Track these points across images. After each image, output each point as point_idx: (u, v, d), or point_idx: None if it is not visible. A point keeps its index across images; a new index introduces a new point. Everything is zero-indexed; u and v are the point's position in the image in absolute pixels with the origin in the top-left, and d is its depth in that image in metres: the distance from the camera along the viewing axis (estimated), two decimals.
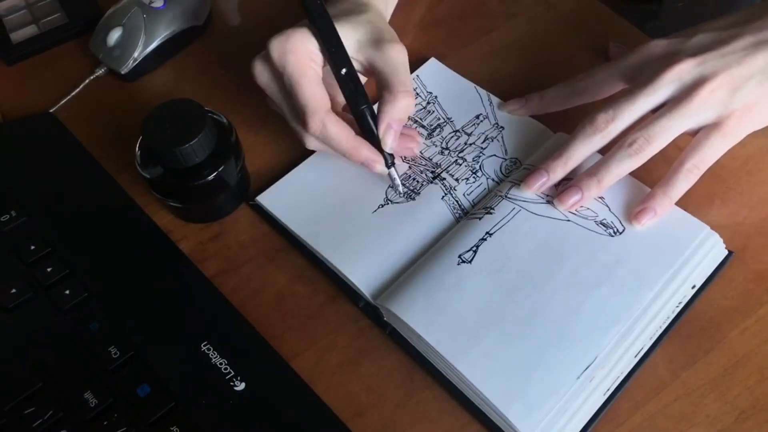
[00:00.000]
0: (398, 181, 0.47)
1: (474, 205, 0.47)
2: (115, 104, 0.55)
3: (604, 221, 0.45)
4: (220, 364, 0.42)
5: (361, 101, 0.45)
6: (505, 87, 0.53)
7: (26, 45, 0.58)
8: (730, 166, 0.49)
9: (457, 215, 0.47)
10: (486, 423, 0.40)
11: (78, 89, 0.55)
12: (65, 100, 0.55)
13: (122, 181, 0.50)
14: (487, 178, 0.48)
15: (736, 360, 0.42)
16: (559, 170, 0.45)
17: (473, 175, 0.48)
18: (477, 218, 0.45)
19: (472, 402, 0.41)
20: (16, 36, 0.58)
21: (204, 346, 0.43)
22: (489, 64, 0.56)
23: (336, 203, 0.47)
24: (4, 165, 0.51)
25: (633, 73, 0.46)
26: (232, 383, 0.41)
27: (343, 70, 0.44)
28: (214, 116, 0.46)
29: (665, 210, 0.44)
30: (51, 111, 0.54)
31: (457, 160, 0.49)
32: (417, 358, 0.42)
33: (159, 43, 0.55)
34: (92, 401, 0.40)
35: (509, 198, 0.46)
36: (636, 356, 0.41)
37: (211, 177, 0.45)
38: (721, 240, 0.44)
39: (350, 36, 0.45)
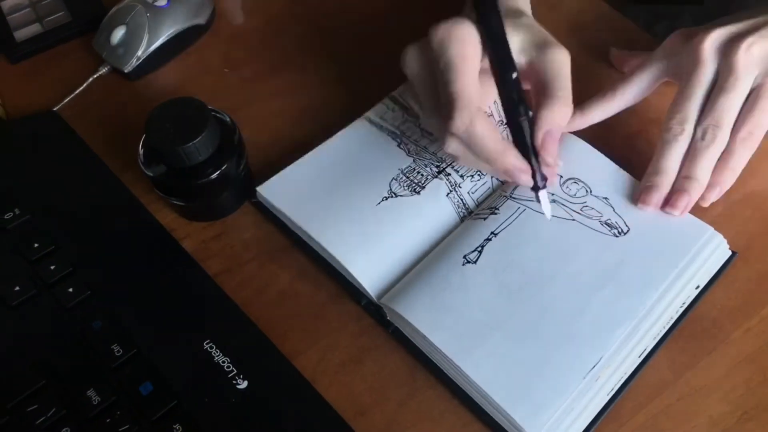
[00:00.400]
0: (548, 205, 0.43)
1: (478, 204, 0.47)
2: (119, 103, 0.55)
3: (608, 221, 0.44)
4: (223, 362, 0.42)
5: (522, 110, 0.41)
6: None
7: (30, 43, 0.58)
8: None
9: (461, 214, 0.47)
10: (488, 422, 0.40)
11: (81, 88, 0.55)
12: (69, 98, 0.55)
13: (125, 179, 0.50)
14: (492, 176, 0.48)
15: (739, 360, 0.42)
16: (666, 183, 0.45)
17: (478, 172, 0.48)
18: (482, 218, 0.45)
19: (474, 401, 0.40)
20: (20, 34, 0.58)
21: (206, 344, 0.43)
22: None
23: (339, 195, 0.47)
24: (8, 163, 0.51)
25: (668, 63, 0.46)
26: (234, 382, 0.41)
27: (513, 74, 0.41)
28: (218, 115, 0.46)
29: (729, 183, 0.45)
30: (54, 109, 0.54)
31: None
32: (419, 357, 0.42)
33: (162, 41, 0.55)
34: (95, 399, 0.40)
35: (514, 198, 0.46)
36: (640, 356, 0.41)
37: (214, 176, 0.45)
38: (725, 240, 0.44)
39: (514, 36, 0.43)
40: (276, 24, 0.60)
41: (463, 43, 0.41)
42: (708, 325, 0.43)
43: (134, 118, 0.48)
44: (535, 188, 0.43)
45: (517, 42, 0.43)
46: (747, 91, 0.44)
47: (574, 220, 0.45)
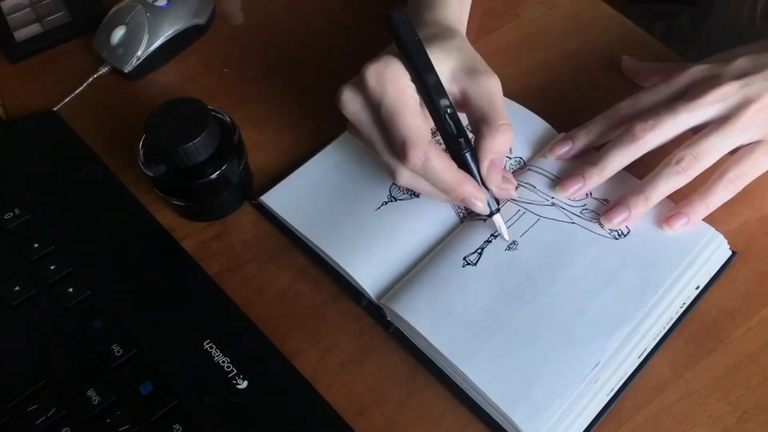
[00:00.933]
0: (504, 228, 0.44)
1: None
2: (119, 103, 0.55)
3: None
4: (223, 362, 0.42)
5: (464, 144, 0.42)
6: (508, 87, 0.53)
7: (30, 43, 0.58)
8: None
9: (461, 215, 0.47)
10: (488, 422, 0.40)
11: (81, 88, 0.55)
12: (69, 98, 0.55)
13: (125, 179, 0.50)
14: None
15: (738, 360, 0.42)
16: (596, 178, 0.45)
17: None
18: (482, 220, 0.45)
19: (474, 401, 0.41)
20: (20, 34, 0.58)
21: (206, 344, 0.43)
22: (492, 64, 0.55)
23: (339, 201, 0.47)
24: (8, 163, 0.51)
25: (678, 96, 0.45)
26: (234, 381, 0.41)
27: (448, 110, 0.41)
28: (218, 115, 0.46)
29: (699, 218, 0.44)
30: (54, 109, 0.54)
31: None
32: (419, 357, 0.42)
33: (162, 41, 0.55)
34: (95, 399, 0.40)
35: (514, 200, 0.46)
36: (640, 357, 0.41)
37: (214, 176, 0.45)
38: (726, 241, 0.44)
39: (444, 64, 0.42)
40: (276, 24, 0.60)
41: (397, 83, 0.41)
42: (708, 326, 0.43)
43: (134, 118, 0.48)
44: (491, 214, 0.43)
45: (447, 70, 0.43)
46: (738, 145, 0.43)
47: (573, 222, 0.45)
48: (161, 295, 0.45)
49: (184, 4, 0.56)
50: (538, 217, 0.45)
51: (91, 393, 0.40)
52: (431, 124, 0.42)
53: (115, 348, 0.42)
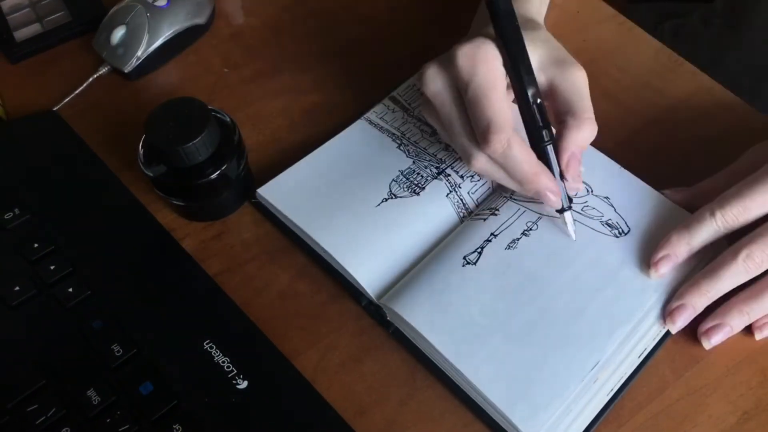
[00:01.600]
0: (572, 226, 0.43)
1: (478, 204, 0.47)
2: (119, 103, 0.55)
3: (609, 222, 0.44)
4: (223, 362, 0.42)
5: (546, 136, 0.41)
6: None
7: (30, 43, 0.58)
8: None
9: (461, 215, 0.47)
10: (488, 422, 0.40)
11: (81, 87, 0.55)
12: (69, 98, 0.55)
13: (125, 179, 0.50)
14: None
15: (738, 360, 0.42)
16: (684, 250, 0.42)
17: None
18: (482, 219, 0.45)
19: (474, 401, 0.41)
20: (20, 34, 0.58)
21: (206, 344, 0.43)
22: None
23: (339, 196, 0.47)
24: (8, 163, 0.51)
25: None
26: (234, 381, 0.41)
27: (538, 100, 0.41)
28: (218, 115, 0.46)
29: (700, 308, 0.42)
30: (54, 109, 0.54)
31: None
32: (419, 357, 0.42)
33: (162, 41, 0.55)
34: (95, 399, 0.40)
35: (514, 199, 0.46)
36: (640, 357, 0.41)
37: (214, 175, 0.45)
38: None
39: (532, 53, 0.42)
40: (276, 24, 0.60)
41: (490, 66, 0.40)
42: None
43: (134, 118, 0.48)
44: (562, 210, 0.43)
45: (535, 59, 0.42)
46: None
47: (575, 220, 0.45)
48: (161, 295, 0.45)
49: (184, 4, 0.56)
50: (539, 215, 0.45)
51: (91, 393, 0.40)
52: (516, 113, 0.42)
53: (115, 348, 0.42)
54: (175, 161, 0.44)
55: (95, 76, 0.56)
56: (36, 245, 0.46)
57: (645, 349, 0.41)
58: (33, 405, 0.40)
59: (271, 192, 0.48)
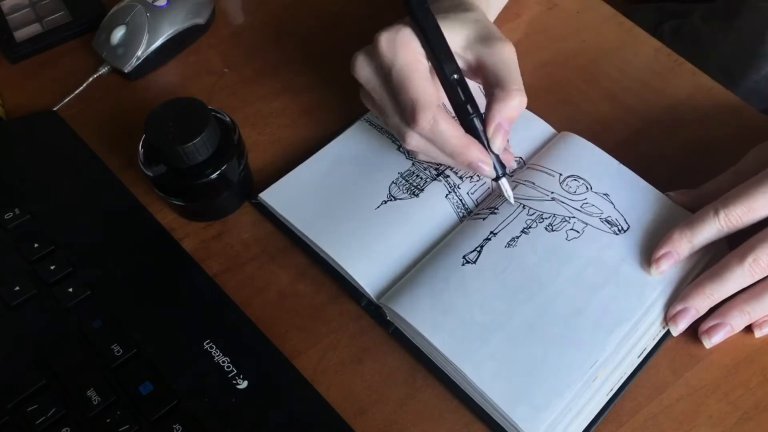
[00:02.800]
0: (510, 192, 0.44)
1: (478, 204, 0.47)
2: (119, 103, 0.55)
3: (609, 218, 0.44)
4: (223, 362, 0.42)
5: (471, 109, 0.43)
6: None
7: (30, 43, 0.58)
8: (733, 165, 0.48)
9: (460, 214, 0.47)
10: (488, 422, 0.40)
11: (81, 88, 0.55)
12: (68, 98, 0.55)
13: (125, 179, 0.50)
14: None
15: (738, 361, 0.42)
16: (686, 248, 0.42)
17: (477, 174, 0.48)
18: (481, 218, 0.45)
19: (474, 401, 0.41)
20: (20, 34, 0.58)
21: (206, 344, 0.43)
22: None
23: (339, 200, 0.47)
24: (7, 163, 0.51)
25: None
26: (234, 381, 0.41)
27: (455, 76, 0.43)
28: (218, 115, 0.46)
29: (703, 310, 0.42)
30: (54, 109, 0.54)
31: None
32: (419, 357, 0.42)
33: (162, 41, 0.55)
34: (95, 399, 0.40)
35: (514, 197, 0.46)
36: (639, 356, 0.41)
37: (214, 176, 0.45)
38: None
39: (459, 32, 0.44)
40: (276, 24, 0.60)
41: (408, 49, 0.42)
42: None
43: (134, 118, 0.48)
44: (497, 178, 0.44)
45: (461, 38, 0.44)
46: None
47: (573, 217, 0.45)
48: (161, 295, 0.45)
49: (184, 4, 0.56)
50: (538, 213, 0.45)
51: (91, 393, 0.40)
52: (441, 92, 0.44)
53: (115, 348, 0.42)
54: (175, 161, 0.44)
55: (95, 76, 0.56)
56: (36, 245, 0.46)
57: (645, 348, 0.41)
58: (33, 405, 0.40)
59: (273, 197, 0.48)
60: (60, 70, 0.57)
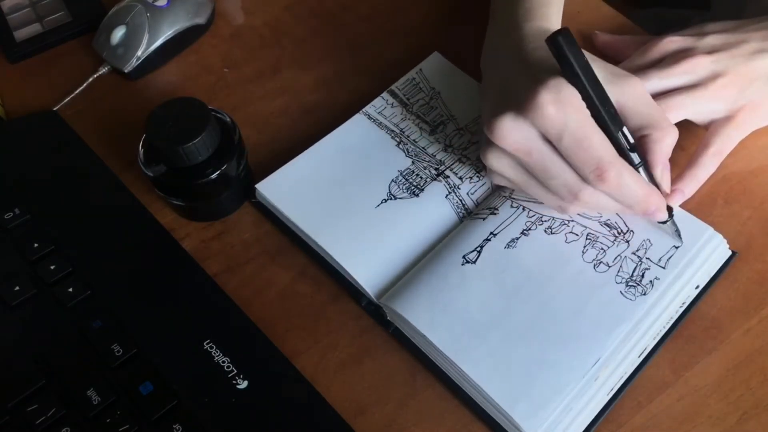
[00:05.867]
0: (680, 233, 0.43)
1: (478, 204, 0.47)
2: (119, 103, 0.55)
3: (608, 222, 0.44)
4: (223, 362, 0.42)
5: (636, 159, 0.41)
6: None
7: (30, 43, 0.58)
8: (734, 166, 0.49)
9: (460, 215, 0.47)
10: (488, 422, 0.40)
11: (81, 87, 0.55)
12: (69, 98, 0.55)
13: (125, 179, 0.50)
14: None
15: (739, 360, 0.42)
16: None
17: (477, 174, 0.48)
18: (481, 218, 0.45)
19: (474, 401, 0.41)
20: (20, 34, 0.58)
21: (207, 344, 0.43)
22: None
23: (338, 196, 0.47)
24: (8, 163, 0.51)
25: (651, 66, 0.47)
26: (234, 381, 0.41)
27: (624, 129, 0.40)
28: (218, 115, 0.46)
29: (693, 191, 0.46)
30: (54, 109, 0.54)
31: (460, 158, 0.49)
32: (419, 357, 0.42)
33: (162, 41, 0.55)
34: (95, 399, 0.40)
35: (513, 198, 0.46)
36: (640, 356, 0.41)
37: (214, 175, 0.45)
38: (725, 241, 0.44)
39: None
40: (276, 24, 0.60)
41: (578, 107, 0.39)
42: (708, 325, 0.43)
43: (134, 118, 0.48)
44: (665, 221, 0.43)
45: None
46: (703, 114, 0.47)
47: (573, 220, 0.45)
48: (161, 295, 0.45)
49: (184, 4, 0.56)
50: (537, 215, 0.45)
51: (91, 393, 0.40)
52: None
53: (115, 348, 0.42)
54: (175, 161, 0.44)
55: (95, 76, 0.56)
56: (36, 245, 0.46)
57: (645, 348, 0.41)
58: (33, 405, 0.40)
59: (270, 188, 0.47)
60: (60, 70, 0.57)
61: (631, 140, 0.41)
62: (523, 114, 0.39)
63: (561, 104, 0.38)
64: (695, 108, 0.46)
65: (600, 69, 0.41)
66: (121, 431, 0.39)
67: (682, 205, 0.45)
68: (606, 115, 0.40)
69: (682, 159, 0.48)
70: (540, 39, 0.43)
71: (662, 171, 0.42)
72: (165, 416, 0.40)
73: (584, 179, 0.40)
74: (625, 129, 0.41)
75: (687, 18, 0.70)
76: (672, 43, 0.48)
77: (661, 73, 0.46)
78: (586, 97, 0.39)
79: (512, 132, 0.40)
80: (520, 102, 0.39)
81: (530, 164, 0.41)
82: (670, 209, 0.43)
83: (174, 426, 0.40)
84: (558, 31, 0.38)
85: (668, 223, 0.43)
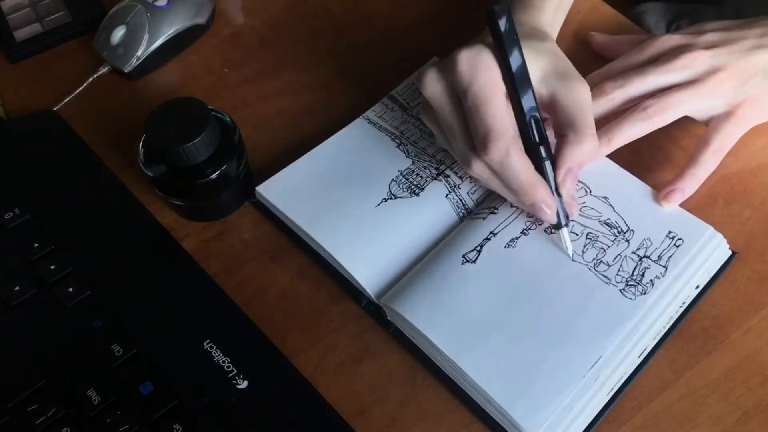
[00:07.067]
0: (569, 244, 0.43)
1: (478, 204, 0.47)
2: (119, 103, 0.55)
3: (608, 221, 0.44)
4: (223, 362, 0.42)
5: (543, 153, 0.41)
6: None
7: (30, 43, 0.58)
8: (734, 166, 0.49)
9: (461, 214, 0.47)
10: (488, 422, 0.40)
11: (81, 87, 0.55)
12: (69, 98, 0.55)
13: (125, 179, 0.50)
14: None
15: (739, 360, 0.42)
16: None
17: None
18: (481, 218, 0.45)
19: (474, 401, 0.41)
20: (20, 34, 0.58)
21: (207, 344, 0.43)
22: None
23: (338, 195, 0.47)
24: (8, 163, 0.51)
25: (648, 63, 0.47)
26: (234, 381, 0.41)
27: (534, 114, 0.41)
28: (218, 115, 0.46)
29: (693, 189, 0.45)
30: (54, 109, 0.54)
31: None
32: (419, 357, 0.42)
33: (162, 41, 0.55)
34: (95, 399, 0.40)
35: None
36: (640, 356, 0.41)
37: (214, 175, 0.45)
38: (725, 240, 0.44)
39: (536, 64, 0.41)
40: (276, 24, 0.60)
41: (490, 74, 0.40)
42: (708, 325, 0.43)
43: (134, 118, 0.48)
44: (558, 226, 0.43)
45: (539, 71, 0.42)
46: (702, 110, 0.46)
47: (573, 220, 0.45)
48: (161, 295, 0.45)
49: (184, 4, 0.56)
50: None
51: (91, 393, 0.40)
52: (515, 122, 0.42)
53: (116, 348, 0.42)
54: (175, 161, 0.44)
55: (95, 76, 0.56)
56: (36, 245, 0.46)
57: (645, 348, 0.41)
58: (33, 405, 0.40)
59: (270, 190, 0.48)
60: (60, 70, 0.57)
61: (543, 133, 0.41)
62: (443, 67, 0.41)
63: (473, 63, 0.40)
64: (695, 104, 0.46)
65: (551, 63, 0.42)
66: (121, 431, 0.39)
67: (681, 205, 0.45)
68: (520, 95, 0.40)
69: (682, 158, 0.48)
70: (522, 25, 0.46)
71: (565, 175, 0.41)
72: (165, 416, 0.40)
73: (476, 146, 0.40)
74: (538, 120, 0.41)
75: (699, 12, 0.69)
76: (669, 40, 0.48)
77: (659, 69, 0.46)
78: (505, 73, 0.40)
79: (430, 82, 0.42)
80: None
81: (441, 119, 0.43)
82: (567, 219, 0.42)
83: (174, 426, 0.40)
84: (496, 4, 0.40)
85: (559, 233, 0.43)
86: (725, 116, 0.46)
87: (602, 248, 0.43)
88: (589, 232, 0.44)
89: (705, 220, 0.44)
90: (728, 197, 0.48)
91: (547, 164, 0.41)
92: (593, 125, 0.41)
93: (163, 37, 0.55)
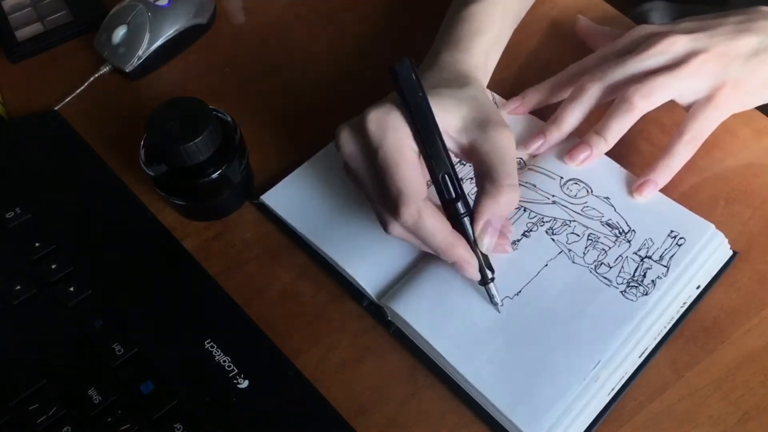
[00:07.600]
0: (498, 298, 0.41)
1: None
2: (120, 102, 0.55)
3: (609, 222, 0.44)
4: (224, 362, 0.42)
5: (461, 208, 0.39)
6: (508, 87, 0.53)
7: (31, 43, 0.58)
8: (735, 166, 0.49)
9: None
10: (489, 422, 0.40)
11: (83, 87, 0.55)
12: (70, 97, 0.55)
13: (126, 178, 0.50)
14: None
15: (739, 361, 0.42)
16: (555, 134, 0.47)
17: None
18: None
19: (475, 401, 0.41)
20: (21, 34, 0.58)
21: (207, 343, 0.43)
22: None
23: (340, 201, 0.47)
24: (9, 162, 0.51)
25: (627, 53, 0.47)
26: (235, 381, 0.41)
27: (446, 173, 0.39)
28: (219, 114, 0.46)
29: (666, 180, 0.45)
30: (56, 108, 0.55)
31: (461, 159, 0.49)
32: (420, 357, 0.42)
33: (164, 41, 0.55)
34: (96, 398, 0.40)
35: None
36: (641, 356, 0.41)
37: (215, 175, 0.45)
38: (726, 240, 0.44)
39: (454, 113, 0.40)
40: (276, 24, 0.60)
41: (397, 132, 0.39)
42: (709, 325, 0.43)
43: (135, 118, 0.48)
44: (483, 282, 0.41)
45: (456, 120, 0.40)
46: (685, 94, 0.45)
47: (574, 221, 0.45)
48: (162, 294, 0.45)
49: (186, 3, 0.56)
50: (539, 216, 0.45)
51: (92, 392, 0.40)
52: (428, 177, 0.40)
53: (116, 347, 0.42)
54: (176, 161, 0.44)
55: (96, 75, 0.56)
56: (37, 244, 0.46)
57: (646, 348, 0.41)
58: (34, 404, 0.40)
59: (274, 199, 0.48)
60: (61, 69, 0.57)
61: (459, 189, 0.39)
62: (355, 127, 0.40)
63: (381, 123, 0.39)
64: (677, 87, 0.45)
65: (471, 111, 0.41)
66: (122, 430, 0.39)
67: (683, 204, 0.45)
68: (429, 154, 0.39)
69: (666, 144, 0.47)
70: (446, 69, 0.45)
71: (483, 229, 0.40)
72: (166, 416, 0.40)
73: (388, 209, 0.39)
74: (452, 176, 0.39)
75: (702, 12, 0.69)
76: (645, 29, 0.47)
77: (639, 56, 0.45)
78: (414, 131, 0.39)
79: (345, 143, 0.41)
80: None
81: (357, 179, 0.41)
82: (493, 273, 0.41)
83: (175, 425, 0.40)
84: (397, 60, 0.38)
85: (486, 287, 0.41)
86: (705, 100, 0.45)
87: (603, 250, 0.43)
88: (591, 233, 0.44)
89: (704, 219, 0.44)
90: (729, 197, 0.48)
91: (466, 220, 0.40)
92: (514, 174, 0.39)
93: (165, 36, 0.55)
